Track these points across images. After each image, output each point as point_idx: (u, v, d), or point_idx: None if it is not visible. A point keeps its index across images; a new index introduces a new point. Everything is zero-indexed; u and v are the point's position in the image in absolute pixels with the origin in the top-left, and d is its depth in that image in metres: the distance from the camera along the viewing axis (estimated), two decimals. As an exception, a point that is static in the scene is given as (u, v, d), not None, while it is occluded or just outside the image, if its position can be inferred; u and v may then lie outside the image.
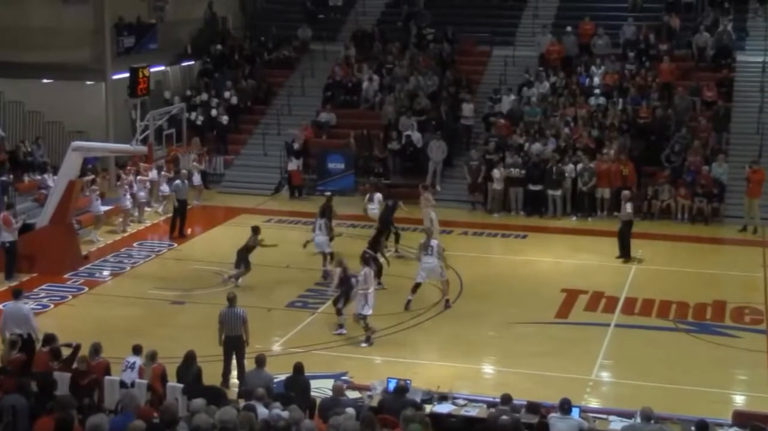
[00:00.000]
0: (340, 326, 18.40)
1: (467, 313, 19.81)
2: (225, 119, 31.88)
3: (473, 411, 13.64)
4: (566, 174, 27.43)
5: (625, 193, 24.27)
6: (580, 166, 27.45)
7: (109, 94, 29.92)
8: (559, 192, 27.55)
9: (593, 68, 31.27)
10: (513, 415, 12.50)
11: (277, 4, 38.18)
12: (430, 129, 29.92)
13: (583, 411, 13.31)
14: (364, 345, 17.83)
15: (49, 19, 29.59)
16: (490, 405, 13.64)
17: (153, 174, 27.53)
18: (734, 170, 27.34)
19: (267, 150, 31.37)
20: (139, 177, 26.90)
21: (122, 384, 13.77)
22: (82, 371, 13.59)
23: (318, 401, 13.44)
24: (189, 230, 25.89)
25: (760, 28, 32.38)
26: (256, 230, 21.49)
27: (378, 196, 24.33)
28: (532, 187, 27.69)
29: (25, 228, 22.62)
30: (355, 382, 15.33)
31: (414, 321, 19.27)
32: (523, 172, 27.65)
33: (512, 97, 30.60)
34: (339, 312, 18.42)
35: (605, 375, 17.20)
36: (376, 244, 21.53)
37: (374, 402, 13.51)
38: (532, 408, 13.30)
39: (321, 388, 14.91)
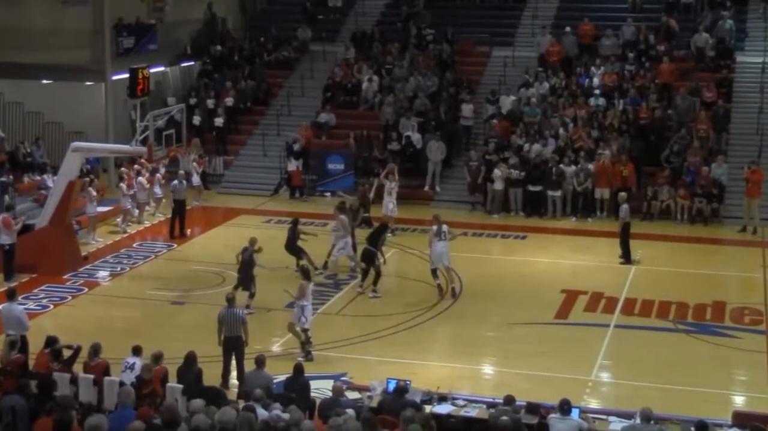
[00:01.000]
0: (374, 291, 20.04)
1: (467, 313, 19.81)
2: (220, 120, 31.74)
3: (473, 412, 13.63)
4: (566, 175, 27.42)
5: (622, 194, 24.29)
6: (578, 166, 27.47)
7: (108, 95, 29.94)
8: (558, 193, 27.53)
9: (593, 69, 31.26)
10: (513, 416, 12.48)
11: (276, 5, 38.17)
12: (430, 130, 29.93)
13: (583, 411, 13.27)
14: (301, 359, 16.54)
15: (49, 20, 29.62)
16: (490, 405, 13.62)
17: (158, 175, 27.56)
18: (734, 171, 27.35)
19: (267, 151, 31.36)
20: (139, 178, 26.89)
21: (122, 385, 13.73)
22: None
23: (318, 401, 13.44)
24: (189, 231, 25.89)
25: (759, 28, 32.37)
26: (253, 241, 20.19)
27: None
28: (531, 188, 27.69)
29: (25, 229, 22.59)
30: (354, 383, 15.31)
31: (414, 322, 19.26)
32: (523, 173, 27.66)
33: (512, 97, 30.61)
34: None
35: (605, 376, 17.19)
36: (376, 240, 21.40)
37: (374, 403, 13.51)
38: (532, 408, 13.30)
39: (321, 389, 14.91)
